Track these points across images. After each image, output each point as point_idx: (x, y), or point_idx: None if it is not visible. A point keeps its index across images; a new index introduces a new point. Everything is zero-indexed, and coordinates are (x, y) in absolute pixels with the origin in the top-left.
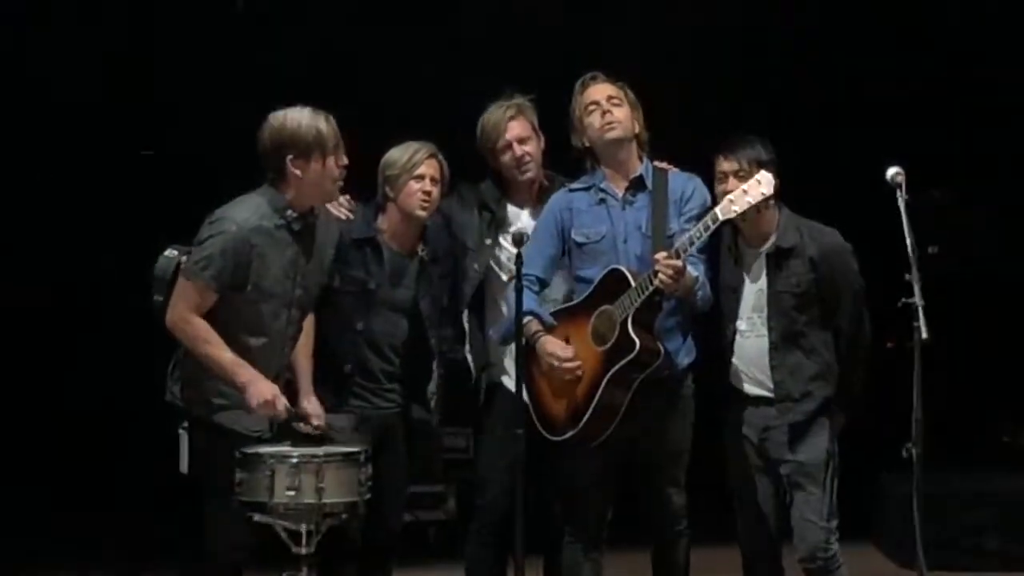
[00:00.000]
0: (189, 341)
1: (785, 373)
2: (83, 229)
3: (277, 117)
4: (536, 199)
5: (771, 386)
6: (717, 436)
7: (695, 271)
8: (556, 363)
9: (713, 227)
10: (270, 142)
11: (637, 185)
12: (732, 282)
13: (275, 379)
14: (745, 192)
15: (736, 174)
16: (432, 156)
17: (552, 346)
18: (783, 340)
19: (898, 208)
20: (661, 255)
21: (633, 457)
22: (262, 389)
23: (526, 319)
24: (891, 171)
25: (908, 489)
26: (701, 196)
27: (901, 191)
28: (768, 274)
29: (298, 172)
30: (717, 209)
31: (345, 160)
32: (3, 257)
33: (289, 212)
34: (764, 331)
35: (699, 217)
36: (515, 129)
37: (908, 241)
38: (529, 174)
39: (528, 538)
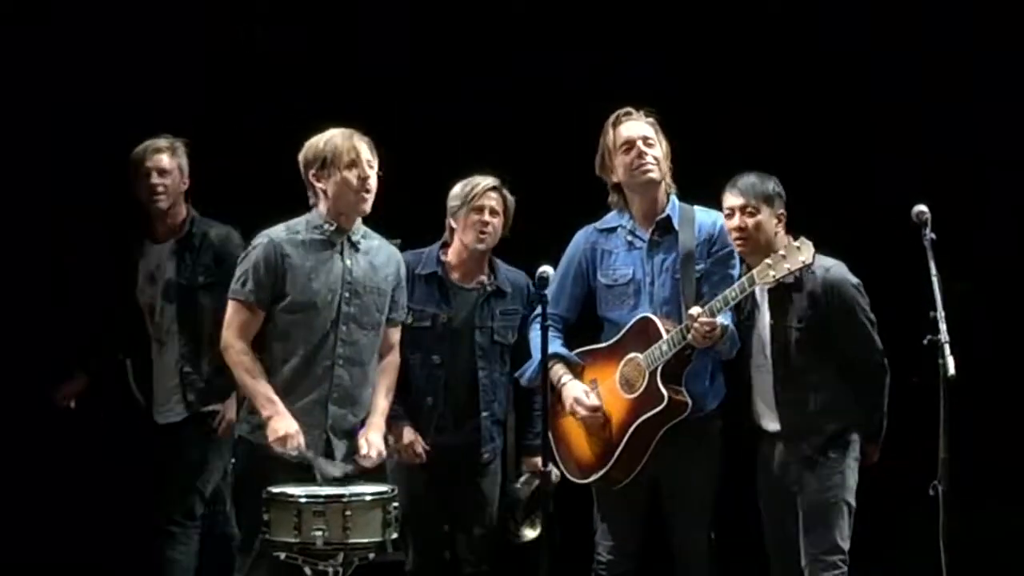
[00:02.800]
0: (232, 366)
1: (790, 408)
2: None
3: (309, 140)
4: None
5: (780, 422)
6: (748, 475)
7: (724, 320)
8: (581, 411)
9: (749, 290)
10: (300, 162)
11: (664, 226)
12: (748, 317)
13: (324, 397)
14: (784, 258)
15: (743, 209)
16: (493, 189)
17: (577, 392)
18: (787, 375)
19: (923, 246)
20: (695, 311)
21: (659, 499)
22: (279, 426)
23: (551, 362)
24: (916, 209)
25: (935, 527)
26: (726, 237)
27: (926, 229)
28: (771, 309)
29: (321, 186)
30: (755, 273)
31: (367, 174)
32: None
33: (327, 227)
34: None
35: (724, 259)
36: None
37: (933, 279)
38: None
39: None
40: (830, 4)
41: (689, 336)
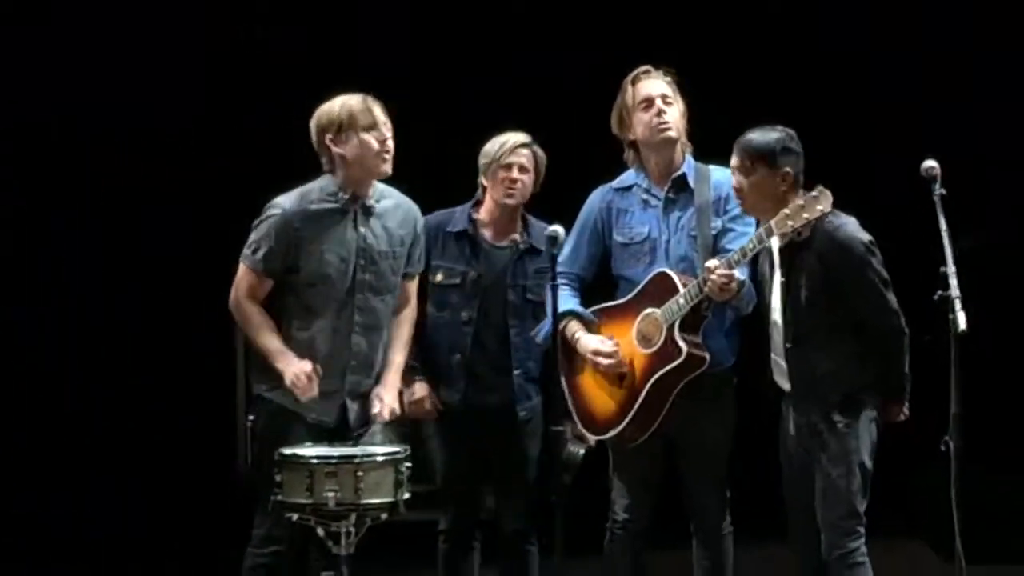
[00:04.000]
0: (243, 324)
1: (798, 370)
2: None
3: (317, 110)
4: None
5: (791, 380)
6: (765, 434)
7: (741, 275)
8: (603, 360)
9: (767, 240)
10: (314, 128)
11: (680, 184)
12: (765, 274)
13: (343, 366)
14: (802, 208)
15: (739, 168)
16: (523, 145)
17: (594, 343)
18: (797, 336)
19: (932, 201)
20: (712, 263)
21: (674, 456)
22: (296, 369)
23: (565, 319)
24: (926, 164)
25: (948, 482)
26: None
27: (936, 184)
28: (783, 268)
29: (339, 151)
30: (772, 223)
31: (386, 135)
32: None
33: (341, 195)
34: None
35: (740, 216)
36: None
37: (944, 236)
38: None
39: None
40: (830, 4)
41: (706, 288)
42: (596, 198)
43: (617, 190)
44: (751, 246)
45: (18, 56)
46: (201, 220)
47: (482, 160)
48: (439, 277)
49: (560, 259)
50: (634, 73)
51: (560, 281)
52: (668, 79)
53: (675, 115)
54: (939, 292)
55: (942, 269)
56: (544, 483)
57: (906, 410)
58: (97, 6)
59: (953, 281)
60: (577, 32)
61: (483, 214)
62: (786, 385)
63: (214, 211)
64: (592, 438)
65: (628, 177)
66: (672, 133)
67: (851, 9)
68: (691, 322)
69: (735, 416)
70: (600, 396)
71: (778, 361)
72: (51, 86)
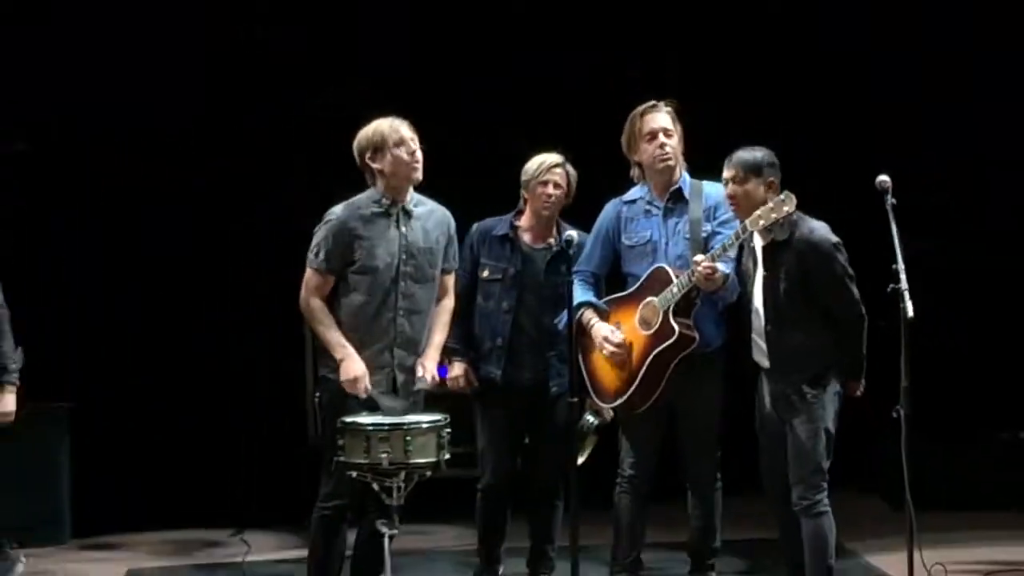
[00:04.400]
0: (311, 321)
1: (777, 349)
2: None
3: (359, 133)
4: None
5: (769, 361)
6: (745, 404)
7: (726, 269)
8: (608, 347)
9: (744, 236)
10: (356, 151)
11: (676, 196)
12: (749, 269)
13: (391, 343)
14: (771, 209)
15: (733, 179)
16: (557, 166)
17: (605, 331)
18: (776, 320)
19: (885, 209)
20: (699, 258)
21: (673, 424)
22: (351, 368)
23: (583, 308)
24: (879, 179)
25: (899, 444)
26: (728, 204)
27: (888, 195)
28: (764, 263)
29: (378, 166)
30: (747, 221)
31: (413, 148)
32: None
33: (384, 201)
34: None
35: (726, 222)
36: None
37: (894, 236)
38: None
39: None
40: (830, 4)
41: (694, 279)
42: (609, 209)
43: (625, 202)
44: (730, 242)
45: (18, 56)
46: (201, 220)
47: (523, 177)
48: (485, 273)
49: (580, 260)
50: (642, 107)
51: (579, 277)
52: (670, 110)
53: (674, 143)
54: (891, 285)
55: (894, 266)
56: (569, 448)
57: (862, 387)
58: (97, 6)
59: (903, 276)
60: (577, 32)
61: (523, 221)
62: (765, 363)
63: (214, 211)
64: (606, 409)
65: (635, 192)
66: (671, 162)
67: (851, 9)
68: (683, 307)
69: (723, 390)
70: (609, 371)
71: (758, 342)
72: (51, 86)
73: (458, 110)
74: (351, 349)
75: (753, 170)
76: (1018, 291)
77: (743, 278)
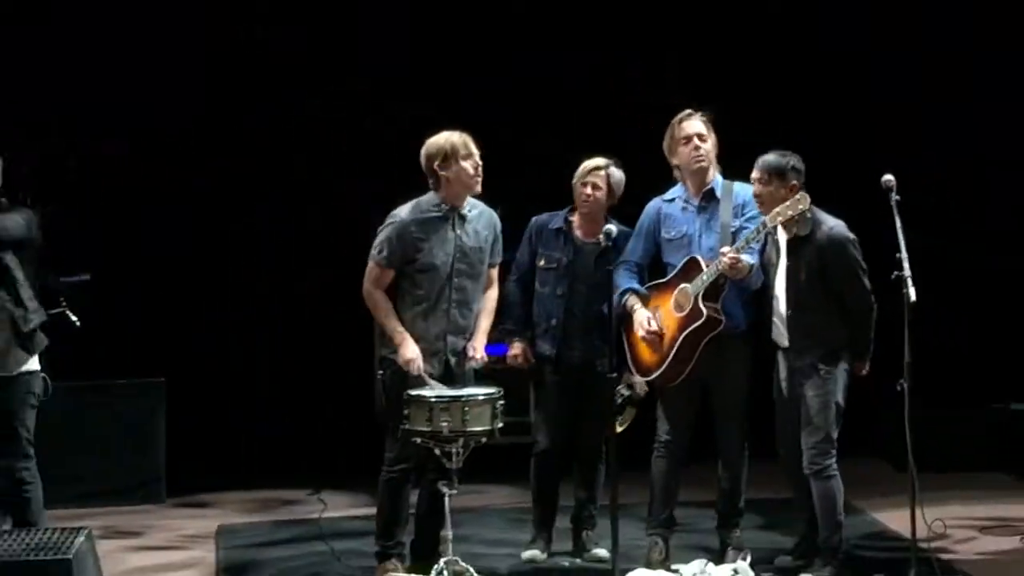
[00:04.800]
0: (372, 308)
1: (796, 330)
2: None
3: (427, 141)
4: None
5: (789, 341)
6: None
7: (751, 259)
8: (643, 332)
9: (764, 230)
10: (424, 157)
11: (710, 195)
12: (772, 260)
13: (444, 331)
14: (788, 206)
15: (759, 180)
16: (597, 168)
17: (642, 318)
18: (796, 305)
19: (890, 206)
20: (725, 249)
21: (705, 397)
22: (406, 351)
23: (627, 294)
24: (885, 177)
25: (902, 414)
26: (755, 202)
27: (892, 193)
28: (788, 255)
29: (444, 173)
30: (767, 218)
31: (478, 163)
32: None
33: (443, 205)
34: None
35: (753, 218)
36: None
37: (899, 230)
38: None
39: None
40: (830, 4)
41: (721, 267)
42: (651, 207)
43: (665, 200)
44: (752, 235)
45: (18, 56)
46: (201, 220)
47: (574, 179)
48: (542, 262)
49: (625, 251)
50: (680, 115)
51: (625, 267)
52: (704, 119)
53: (708, 148)
54: (895, 272)
55: (898, 255)
56: (609, 418)
57: (867, 367)
58: (97, 6)
59: (906, 264)
60: (577, 32)
61: (576, 217)
62: (784, 342)
63: (214, 211)
64: (640, 384)
65: (674, 191)
66: (704, 164)
67: (851, 9)
68: (712, 293)
69: (751, 367)
70: (647, 349)
71: (778, 324)
72: (51, 86)
73: (458, 110)
74: (407, 334)
75: (777, 173)
76: (1013, 285)
77: (766, 267)
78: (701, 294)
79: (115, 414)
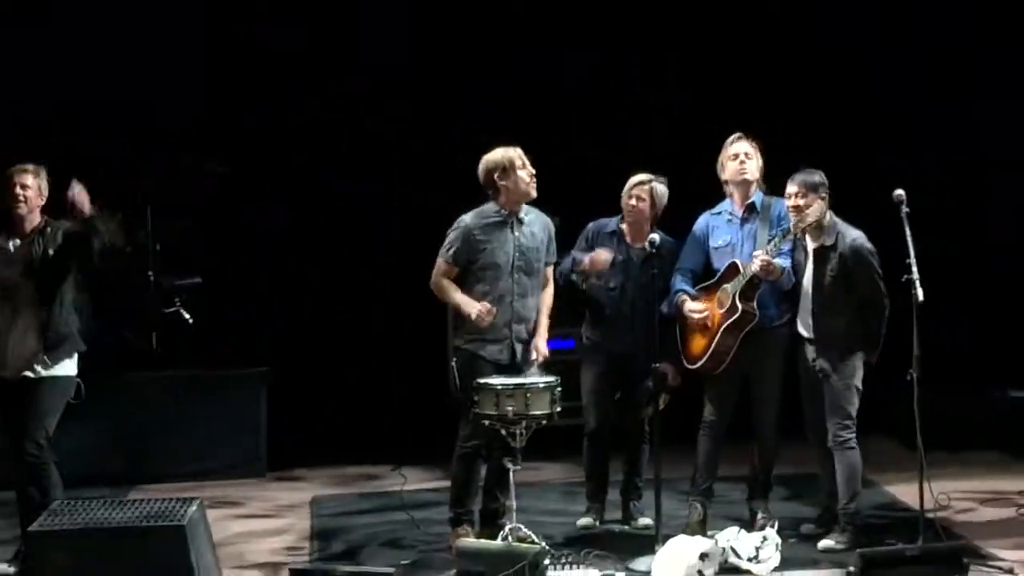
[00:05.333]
0: (441, 293)
1: (820, 325)
2: None
3: (485, 157)
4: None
5: (813, 333)
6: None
7: (783, 262)
8: (694, 315)
9: (789, 236)
10: (484, 171)
11: (750, 208)
12: (801, 263)
13: (509, 320)
14: (807, 215)
15: (796, 195)
16: (641, 183)
17: (691, 305)
18: (821, 305)
19: (900, 217)
20: (757, 253)
21: (745, 386)
22: (473, 309)
23: (679, 294)
24: (895, 193)
25: (912, 399)
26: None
27: (903, 206)
28: (814, 262)
29: (504, 183)
30: (790, 226)
31: (532, 171)
32: None
33: (502, 211)
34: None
35: (784, 226)
36: None
37: (908, 239)
38: None
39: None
40: (830, 4)
41: (755, 269)
42: (701, 220)
43: (713, 214)
44: (777, 240)
45: (18, 56)
46: (201, 220)
47: (623, 192)
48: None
49: (680, 259)
50: (731, 137)
51: (680, 273)
52: (752, 142)
53: (752, 166)
54: (905, 276)
55: (907, 261)
56: (650, 403)
57: (875, 357)
58: (97, 6)
59: (915, 269)
60: (577, 32)
61: (624, 225)
62: (809, 335)
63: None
64: (673, 374)
65: (721, 205)
66: (748, 176)
67: (851, 9)
68: (748, 291)
69: (785, 357)
70: (694, 340)
71: (806, 319)
72: (51, 86)
73: (458, 110)
74: (475, 302)
75: (812, 188)
76: (1011, 282)
77: (796, 269)
78: (738, 292)
79: (223, 400)
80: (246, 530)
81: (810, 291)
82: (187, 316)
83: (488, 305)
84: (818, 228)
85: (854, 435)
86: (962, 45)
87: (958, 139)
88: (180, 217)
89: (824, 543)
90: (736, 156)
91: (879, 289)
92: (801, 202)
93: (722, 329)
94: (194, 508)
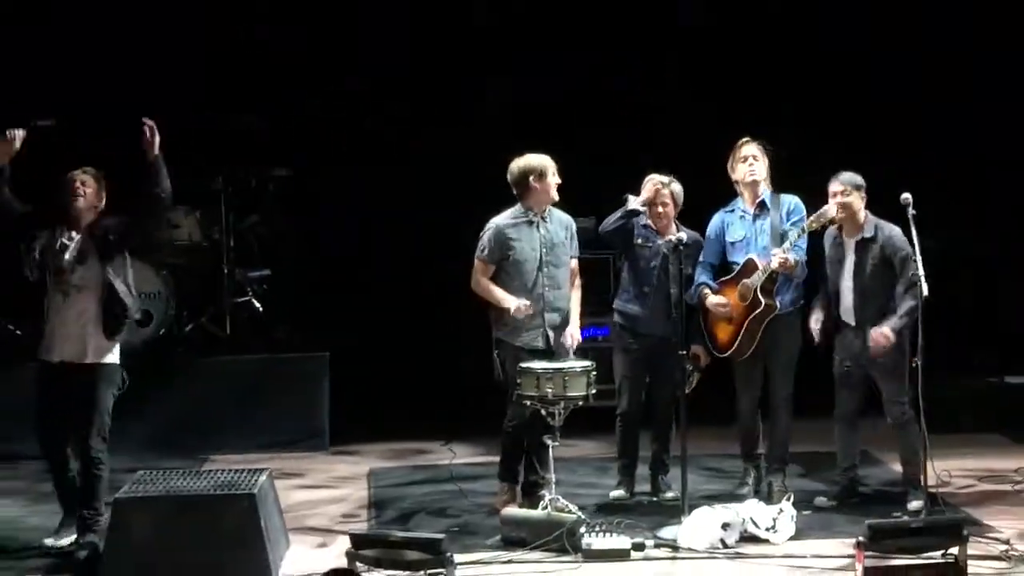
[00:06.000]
0: (481, 291)
1: (861, 311)
2: None
3: (517, 161)
4: None
5: (856, 319)
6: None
7: (797, 256)
8: (719, 309)
9: (806, 232)
10: (519, 174)
11: (761, 206)
12: (837, 257)
13: (542, 309)
14: (821, 213)
15: (842, 193)
16: (662, 185)
17: (716, 299)
18: (862, 293)
19: (907, 219)
20: (776, 251)
21: (765, 365)
22: (512, 304)
23: (701, 287)
24: (903, 196)
25: (917, 385)
26: (799, 209)
27: (910, 208)
28: (856, 253)
29: (537, 185)
30: (805, 222)
31: (558, 177)
32: None
33: (531, 213)
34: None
35: (797, 221)
36: None
37: (915, 238)
38: None
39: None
40: (830, 4)
41: (773, 264)
42: (716, 218)
43: (727, 211)
44: (795, 235)
45: (18, 56)
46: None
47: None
48: (639, 241)
49: (703, 254)
50: (741, 140)
51: (702, 267)
52: (759, 145)
53: (760, 168)
54: (912, 272)
55: (913, 260)
56: (679, 384)
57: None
58: (97, 6)
59: (920, 267)
60: (577, 32)
61: (650, 220)
62: (852, 321)
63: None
64: (703, 359)
65: (734, 203)
66: (756, 177)
67: (851, 9)
68: (767, 286)
69: (800, 339)
70: (721, 331)
71: (847, 307)
72: (51, 86)
73: (458, 110)
74: (512, 297)
75: (856, 187)
76: (1008, 280)
77: (832, 266)
78: (759, 287)
79: (288, 381)
80: (309, 499)
81: (850, 283)
82: (257, 305)
83: (526, 301)
84: (854, 223)
85: (908, 405)
86: (962, 45)
87: (958, 139)
88: (249, 215)
89: (914, 504)
90: (745, 159)
91: (916, 278)
92: (847, 199)
93: (747, 322)
94: (263, 478)
